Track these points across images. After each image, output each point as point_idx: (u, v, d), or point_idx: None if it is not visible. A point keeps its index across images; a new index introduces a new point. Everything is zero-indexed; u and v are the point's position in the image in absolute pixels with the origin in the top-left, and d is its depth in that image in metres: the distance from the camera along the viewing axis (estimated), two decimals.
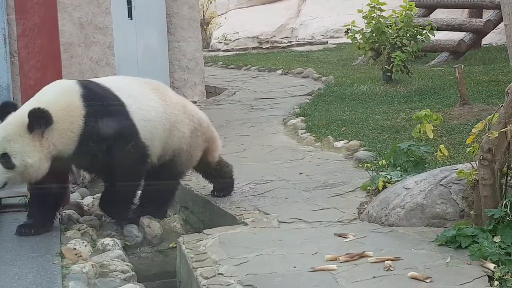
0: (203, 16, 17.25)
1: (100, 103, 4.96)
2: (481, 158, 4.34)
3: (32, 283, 4.01)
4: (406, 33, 9.95)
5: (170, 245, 5.19)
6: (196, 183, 6.26)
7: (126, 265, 4.48)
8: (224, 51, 18.22)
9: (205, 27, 17.81)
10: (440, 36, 12.43)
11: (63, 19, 6.67)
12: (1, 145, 4.52)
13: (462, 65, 8.26)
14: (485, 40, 14.09)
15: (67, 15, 6.84)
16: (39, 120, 4.55)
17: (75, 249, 4.50)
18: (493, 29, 12.69)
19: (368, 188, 5.48)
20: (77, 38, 7.15)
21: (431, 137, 5.10)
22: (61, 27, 6.59)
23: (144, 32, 9.87)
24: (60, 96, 4.91)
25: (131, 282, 4.19)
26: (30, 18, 5.68)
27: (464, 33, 12.48)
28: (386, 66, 10.19)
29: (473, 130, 4.47)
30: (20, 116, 4.66)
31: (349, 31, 10.41)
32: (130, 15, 9.51)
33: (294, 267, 4.14)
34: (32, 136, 4.59)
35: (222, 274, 4.08)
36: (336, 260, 4.19)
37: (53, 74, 5.72)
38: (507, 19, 5.72)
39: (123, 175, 5.10)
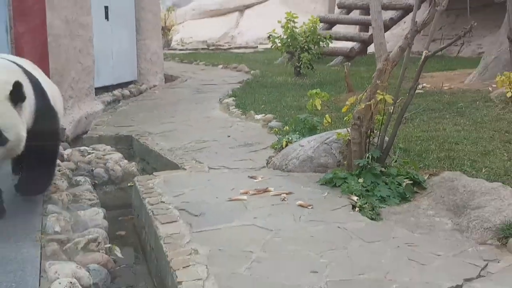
0: (165, 23, 16.99)
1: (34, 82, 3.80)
2: (352, 124, 4.49)
3: (20, 206, 3.99)
4: (312, 40, 10.05)
5: (128, 184, 5.18)
6: (151, 141, 6.24)
7: (93, 195, 4.50)
8: (180, 50, 18.07)
9: (166, 31, 17.56)
10: (338, 44, 12.62)
11: (53, 16, 6.55)
12: None
13: (349, 64, 8.41)
14: (370, 49, 14.33)
15: (56, 13, 6.72)
16: (21, 93, 3.40)
17: (55, 183, 4.41)
18: None
19: (276, 146, 5.55)
20: (63, 31, 7.03)
21: (319, 109, 5.24)
22: (51, 22, 6.51)
23: (117, 31, 9.72)
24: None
25: (96, 207, 4.23)
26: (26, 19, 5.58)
27: (355, 42, 12.65)
28: (297, 64, 10.29)
29: (347, 103, 4.59)
30: (2, 91, 3.36)
31: (270, 37, 10.45)
32: (106, 17, 9.35)
33: (217, 197, 4.23)
34: (17, 109, 3.41)
35: (163, 202, 4.16)
36: (247, 193, 4.30)
37: (41, 59, 5.67)
38: (374, 22, 5.78)
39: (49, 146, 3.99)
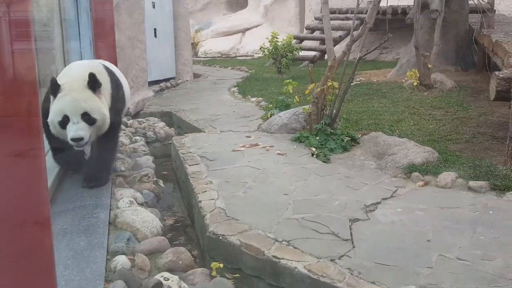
0: (193, 40, 16.61)
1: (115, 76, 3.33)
2: (312, 102, 4.42)
3: None
4: (288, 50, 9.85)
5: (169, 142, 5.11)
6: (183, 115, 6.16)
7: (146, 148, 4.44)
8: (203, 58, 17.72)
9: (194, 45, 17.17)
10: (306, 53, 12.37)
11: (119, 35, 6.39)
12: (81, 106, 2.77)
13: (312, 65, 8.22)
14: (326, 57, 14.14)
15: (122, 33, 6.56)
16: (97, 81, 2.87)
17: (121, 140, 4.27)
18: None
19: (264, 117, 5.48)
20: (127, 44, 6.87)
21: (291, 92, 5.15)
22: (118, 39, 6.35)
23: (163, 45, 9.50)
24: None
25: (147, 155, 4.20)
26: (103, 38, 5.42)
27: (316, 52, 12.41)
28: (278, 65, 10.08)
29: (308, 87, 4.52)
30: (81, 83, 2.85)
31: (261, 48, 10.23)
32: (155, 35, 9.14)
33: (225, 149, 4.19)
34: (96, 94, 2.87)
35: (190, 152, 4.11)
36: (244, 146, 4.25)
37: (113, 63, 5.56)
38: (326, 35, 5.62)
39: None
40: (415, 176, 3.31)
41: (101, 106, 2.89)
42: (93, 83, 2.89)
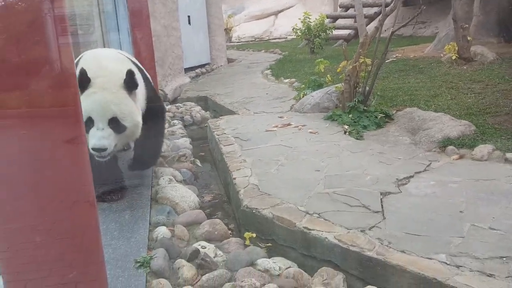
0: (227, 25, 16.71)
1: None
2: (344, 79, 4.40)
3: None
4: (321, 29, 9.71)
5: (205, 125, 5.27)
6: (218, 99, 6.29)
7: (184, 131, 4.64)
8: (237, 42, 17.81)
9: (228, 31, 17.29)
10: (340, 32, 12.12)
11: (155, 24, 6.58)
12: (110, 109, 2.24)
13: (346, 44, 8.07)
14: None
15: (157, 22, 6.74)
16: (135, 81, 2.37)
17: None
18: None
19: (296, 98, 5.52)
20: (162, 33, 7.06)
21: (323, 71, 5.13)
22: (154, 28, 6.53)
23: (197, 31, 9.65)
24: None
25: (185, 137, 4.35)
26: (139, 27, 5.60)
27: (351, 30, 12.12)
28: (311, 46, 9.98)
29: (340, 65, 4.49)
30: (116, 81, 2.32)
31: (294, 29, 10.15)
32: (189, 22, 9.29)
33: (258, 129, 4.28)
34: (131, 97, 2.37)
35: (225, 133, 4.23)
36: (277, 126, 4.32)
37: (150, 51, 5.74)
38: (357, 11, 5.47)
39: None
40: (450, 150, 3.25)
41: (134, 112, 2.34)
42: (131, 83, 2.34)
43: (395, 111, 4.30)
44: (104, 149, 2.21)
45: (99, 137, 2.20)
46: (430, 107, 4.33)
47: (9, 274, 1.51)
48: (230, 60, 11.64)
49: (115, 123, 2.25)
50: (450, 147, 3.27)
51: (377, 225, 2.32)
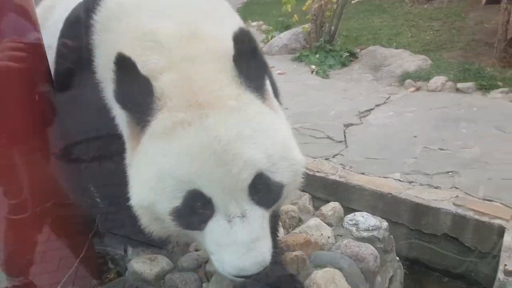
0: None
1: None
2: (311, 19, 4.41)
3: None
4: None
5: None
6: None
7: None
8: None
9: None
10: None
11: None
12: (246, 156, 0.81)
13: None
14: None
15: None
16: (261, 58, 0.88)
17: None
18: None
19: (265, 40, 5.38)
20: None
21: (290, 11, 5.02)
22: None
23: None
24: None
25: None
26: None
27: None
28: None
29: (306, 3, 4.44)
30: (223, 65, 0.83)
31: None
32: None
33: None
34: (265, 101, 0.89)
35: None
36: None
37: None
38: None
39: None
40: (407, 83, 3.42)
41: (286, 140, 0.96)
42: (256, 64, 0.93)
43: (359, 50, 4.39)
44: (264, 266, 0.90)
45: (248, 244, 0.89)
46: (392, 44, 4.45)
47: None
48: None
49: (262, 186, 0.91)
50: (408, 81, 3.44)
51: (340, 153, 2.51)
